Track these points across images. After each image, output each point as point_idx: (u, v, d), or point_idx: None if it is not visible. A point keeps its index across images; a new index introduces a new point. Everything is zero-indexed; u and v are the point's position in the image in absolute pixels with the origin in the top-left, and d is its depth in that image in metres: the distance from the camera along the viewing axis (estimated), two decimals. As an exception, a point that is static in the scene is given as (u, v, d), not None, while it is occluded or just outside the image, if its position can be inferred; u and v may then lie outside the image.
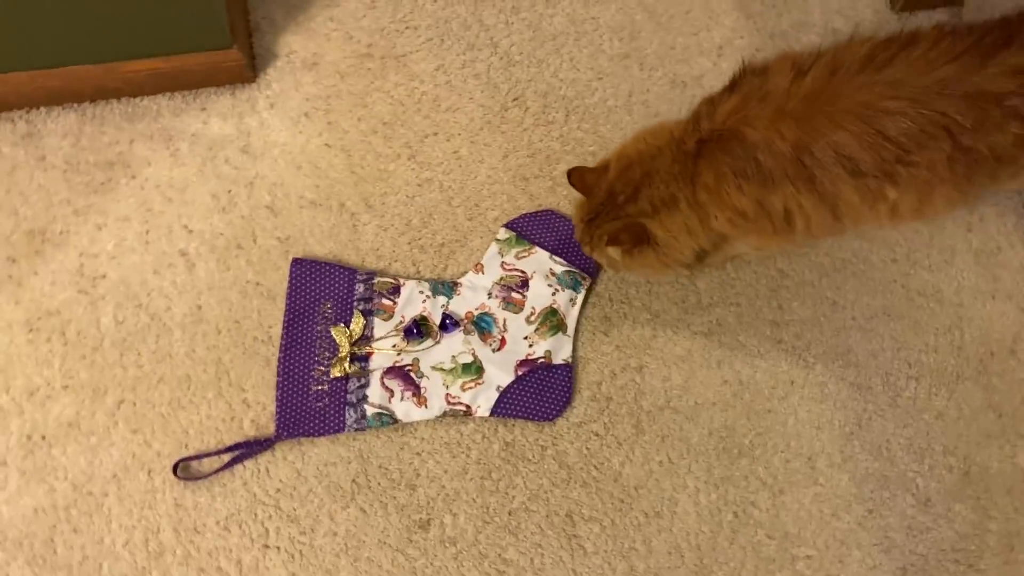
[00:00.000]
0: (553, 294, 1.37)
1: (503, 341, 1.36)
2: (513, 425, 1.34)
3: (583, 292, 1.39)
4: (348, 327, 1.35)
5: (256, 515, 1.28)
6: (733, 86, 1.17)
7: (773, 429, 1.37)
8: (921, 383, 1.40)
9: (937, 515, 1.34)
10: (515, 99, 1.51)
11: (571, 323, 1.38)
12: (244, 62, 1.43)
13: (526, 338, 1.36)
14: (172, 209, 1.42)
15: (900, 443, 1.37)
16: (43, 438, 1.30)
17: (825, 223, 1.19)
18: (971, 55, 1.12)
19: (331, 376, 1.32)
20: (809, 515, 1.34)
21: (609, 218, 1.23)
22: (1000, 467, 1.36)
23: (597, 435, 1.35)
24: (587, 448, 1.34)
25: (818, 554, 1.32)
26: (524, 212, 1.44)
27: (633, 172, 1.20)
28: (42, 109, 1.45)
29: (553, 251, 1.40)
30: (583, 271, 1.40)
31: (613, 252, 1.24)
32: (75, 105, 1.45)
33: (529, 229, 1.42)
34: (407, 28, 1.54)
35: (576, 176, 1.27)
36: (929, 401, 1.39)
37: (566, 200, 1.46)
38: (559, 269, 1.39)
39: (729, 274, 1.44)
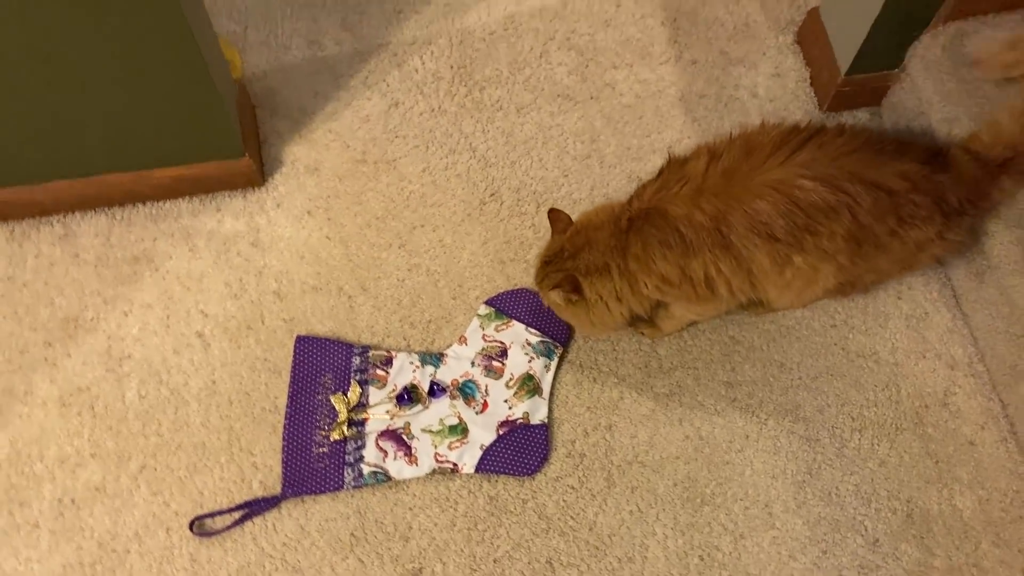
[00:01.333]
0: (529, 361, 1.54)
1: (485, 404, 1.52)
2: (496, 480, 1.49)
3: (556, 359, 1.56)
4: (346, 395, 1.51)
5: (264, 567, 1.41)
6: (660, 173, 1.38)
7: (732, 479, 1.51)
8: (864, 435, 1.55)
9: (885, 554, 1.47)
10: (492, 194, 1.72)
11: (546, 387, 1.54)
12: (254, 168, 1.64)
13: (506, 401, 1.52)
14: (190, 296, 1.60)
15: (848, 489, 1.51)
16: (72, 501, 1.44)
17: (743, 287, 1.37)
18: (866, 152, 1.34)
19: (331, 439, 1.47)
20: (768, 557, 1.46)
21: (556, 268, 1.41)
22: (940, 508, 1.50)
23: (572, 488, 1.49)
24: (564, 500, 1.48)
25: (778, 592, 1.44)
26: (502, 290, 1.62)
27: (581, 236, 1.39)
28: (77, 213, 1.65)
29: (528, 324, 1.58)
30: (555, 341, 1.57)
31: (555, 296, 1.41)
32: (107, 209, 1.66)
33: (507, 305, 1.60)
34: (396, 137, 1.77)
35: (553, 215, 1.46)
36: (872, 451, 1.54)
37: (539, 281, 1.65)
38: (534, 339, 1.56)
39: (686, 341, 1.61)
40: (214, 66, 1.44)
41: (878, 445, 1.54)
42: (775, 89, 1.84)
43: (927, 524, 1.49)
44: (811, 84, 1.85)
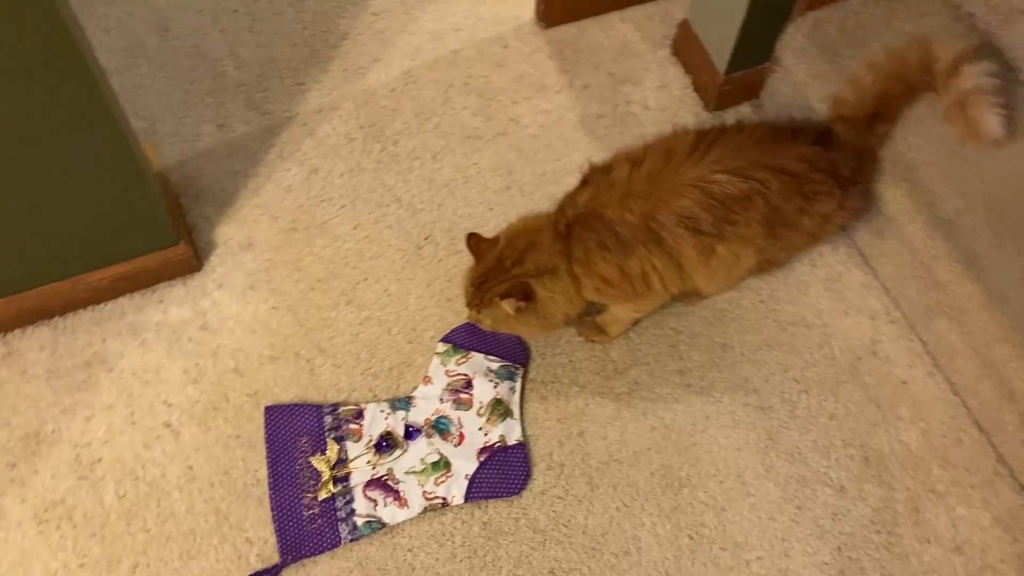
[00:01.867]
0: (495, 387, 1.60)
1: (462, 436, 1.57)
2: (486, 506, 1.54)
3: (519, 380, 1.63)
4: (325, 455, 1.53)
5: (278, 638, 1.42)
6: (585, 183, 1.49)
7: (702, 458, 1.61)
8: (811, 394, 1.67)
9: (853, 498, 1.58)
10: (426, 238, 1.79)
11: (516, 408, 1.60)
12: (191, 254, 1.67)
13: (480, 429, 1.57)
14: (150, 390, 1.60)
15: (807, 446, 1.63)
16: (69, 616, 1.41)
17: (675, 280, 1.48)
18: (766, 142, 1.50)
19: (319, 499, 1.50)
20: (750, 523, 1.56)
21: (498, 280, 1.45)
22: (891, 446, 1.63)
23: (559, 498, 1.56)
24: (553, 511, 1.54)
25: (766, 554, 1.53)
26: (455, 326, 1.68)
27: (520, 241, 1.46)
28: (16, 331, 1.63)
29: (486, 352, 1.64)
30: (516, 363, 1.64)
31: (507, 305, 1.44)
32: (46, 321, 1.65)
33: (462, 339, 1.66)
34: (322, 201, 1.82)
35: (473, 241, 1.49)
36: (821, 407, 1.66)
37: (487, 311, 1.72)
38: (495, 366, 1.63)
39: (634, 341, 1.70)
40: (142, 159, 1.47)
41: (825, 401, 1.67)
42: (663, 99, 1.98)
43: (883, 463, 1.61)
44: (694, 89, 2.00)
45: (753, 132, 1.52)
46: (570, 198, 1.50)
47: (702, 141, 1.48)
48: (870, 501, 1.58)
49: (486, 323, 1.53)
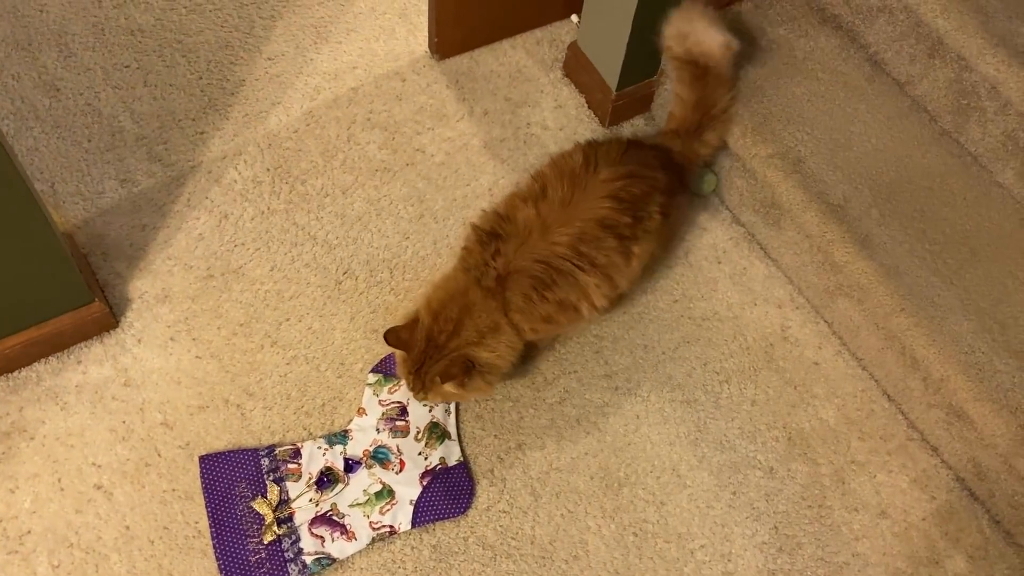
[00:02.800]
0: (430, 411, 1.62)
1: (402, 463, 1.58)
2: (434, 529, 1.55)
3: (453, 402, 1.65)
4: (266, 497, 1.52)
5: None
6: (492, 237, 1.50)
7: (638, 457, 1.66)
8: (731, 384, 1.75)
9: (782, 478, 1.66)
10: (345, 272, 1.80)
11: (453, 429, 1.62)
12: (106, 311, 1.63)
13: (420, 453, 1.59)
14: (76, 453, 1.55)
15: (734, 433, 1.70)
16: None
17: (607, 294, 1.55)
18: (632, 147, 1.64)
19: (265, 543, 1.48)
20: (690, 514, 1.61)
21: (434, 360, 1.44)
22: (811, 425, 1.72)
23: (505, 511, 1.58)
24: (500, 525, 1.56)
25: (708, 541, 1.59)
26: (383, 356, 1.69)
27: (449, 311, 1.45)
28: (-75, 408, 1.57)
29: (417, 378, 1.66)
30: (447, 386, 1.66)
31: (450, 387, 1.44)
32: (-43, 395, 1.58)
33: (392, 367, 1.67)
34: (236, 246, 1.81)
35: (392, 336, 1.47)
36: (742, 395, 1.74)
37: (413, 338, 1.74)
38: (427, 390, 1.65)
39: (559, 352, 1.75)
40: (49, 218, 1.44)
41: (745, 389, 1.75)
42: (561, 119, 2.06)
43: (805, 441, 1.70)
44: (589, 107, 2.08)
45: (618, 143, 1.64)
46: (480, 256, 1.49)
47: (589, 156, 1.57)
48: (798, 478, 1.66)
49: (438, 401, 1.55)
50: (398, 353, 1.52)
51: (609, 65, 1.95)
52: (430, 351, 1.45)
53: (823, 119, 1.81)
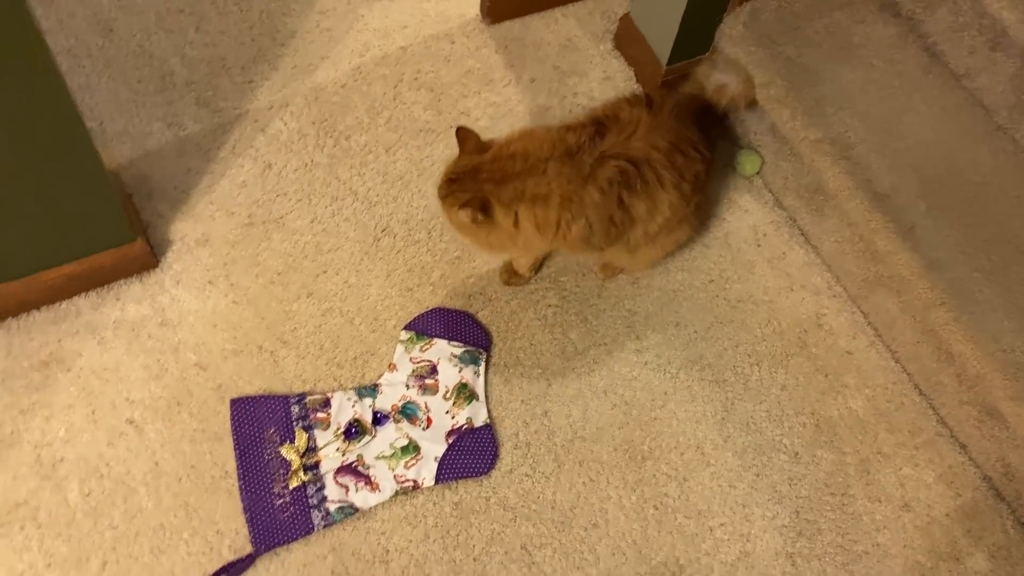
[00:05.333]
0: (459, 371, 1.63)
1: (429, 420, 1.59)
2: (457, 486, 1.56)
3: (483, 364, 1.66)
4: (294, 444, 1.54)
5: (254, 627, 1.42)
6: (596, 124, 1.50)
7: (663, 432, 1.66)
8: (762, 367, 1.74)
9: (807, 463, 1.65)
10: (384, 230, 1.81)
11: (480, 391, 1.63)
12: (148, 251, 1.65)
13: (447, 412, 1.60)
14: (111, 387, 1.58)
15: (761, 416, 1.69)
16: (37, 617, 1.39)
17: (664, 224, 1.56)
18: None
19: (290, 488, 1.50)
20: (712, 492, 1.61)
21: (463, 187, 1.44)
22: (839, 413, 1.71)
23: (527, 475, 1.59)
24: (522, 488, 1.57)
25: (728, 520, 1.59)
26: (416, 314, 1.70)
27: (513, 164, 1.43)
28: (-32, 333, 1.60)
29: (450, 338, 1.67)
30: (478, 348, 1.67)
31: (462, 216, 1.43)
32: (0, 322, 1.61)
33: (425, 326, 1.68)
34: (278, 196, 1.82)
35: (463, 134, 1.48)
36: (772, 379, 1.73)
37: (447, 299, 1.74)
38: (458, 351, 1.65)
39: (592, 322, 1.75)
40: (98, 155, 1.45)
41: (775, 373, 1.74)
42: (608, 91, 2.04)
43: (832, 429, 1.69)
44: (637, 81, 2.06)
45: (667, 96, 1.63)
46: (579, 134, 1.47)
47: (661, 102, 1.58)
48: (823, 465, 1.65)
49: (450, 219, 1.51)
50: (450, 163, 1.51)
51: (661, 39, 1.93)
52: (469, 177, 1.45)
53: (875, 107, 1.78)
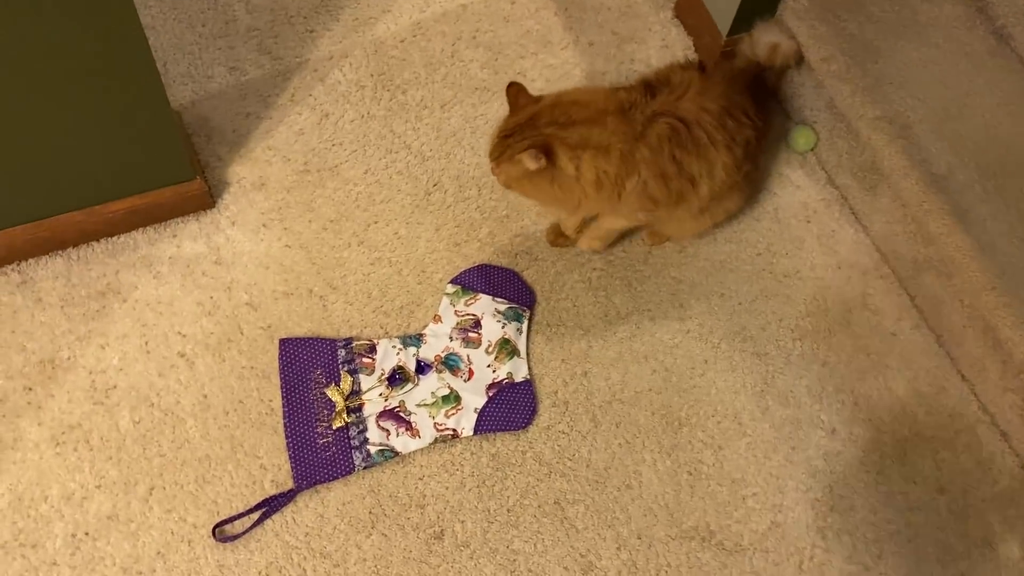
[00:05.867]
0: (502, 327, 1.65)
1: (471, 372, 1.61)
2: (495, 439, 1.59)
3: (526, 321, 1.68)
4: (339, 386, 1.57)
5: (292, 559, 1.46)
6: (648, 87, 1.50)
7: (701, 400, 1.67)
8: (805, 342, 1.74)
9: (844, 439, 1.66)
10: (435, 185, 1.83)
11: (522, 348, 1.65)
12: (206, 190, 1.69)
13: (489, 366, 1.62)
14: (164, 320, 1.63)
15: (801, 391, 1.69)
16: (87, 534, 1.44)
17: (717, 190, 1.56)
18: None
19: (333, 428, 1.54)
20: (747, 461, 1.62)
21: (524, 135, 1.42)
22: (879, 394, 1.70)
23: (564, 433, 1.61)
24: (558, 445, 1.60)
25: (761, 490, 1.60)
26: (463, 269, 1.72)
27: (574, 111, 1.43)
28: (31, 260, 1.65)
29: (494, 294, 1.69)
30: (522, 306, 1.69)
31: (527, 158, 1.39)
32: (60, 251, 1.66)
33: (471, 281, 1.70)
34: (334, 145, 1.85)
35: (514, 90, 1.47)
36: (814, 355, 1.73)
37: (493, 256, 1.76)
38: (503, 307, 1.67)
39: (635, 288, 1.76)
40: (164, 92, 1.49)
41: (817, 349, 1.74)
42: (666, 59, 2.03)
43: (871, 408, 1.69)
44: (696, 50, 2.05)
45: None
46: (634, 93, 1.48)
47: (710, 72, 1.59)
48: (860, 443, 1.65)
49: (501, 179, 1.49)
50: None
51: (722, 9, 1.92)
52: (527, 126, 1.43)
53: (937, 88, 1.76)
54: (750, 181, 1.70)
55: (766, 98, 1.83)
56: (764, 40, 1.73)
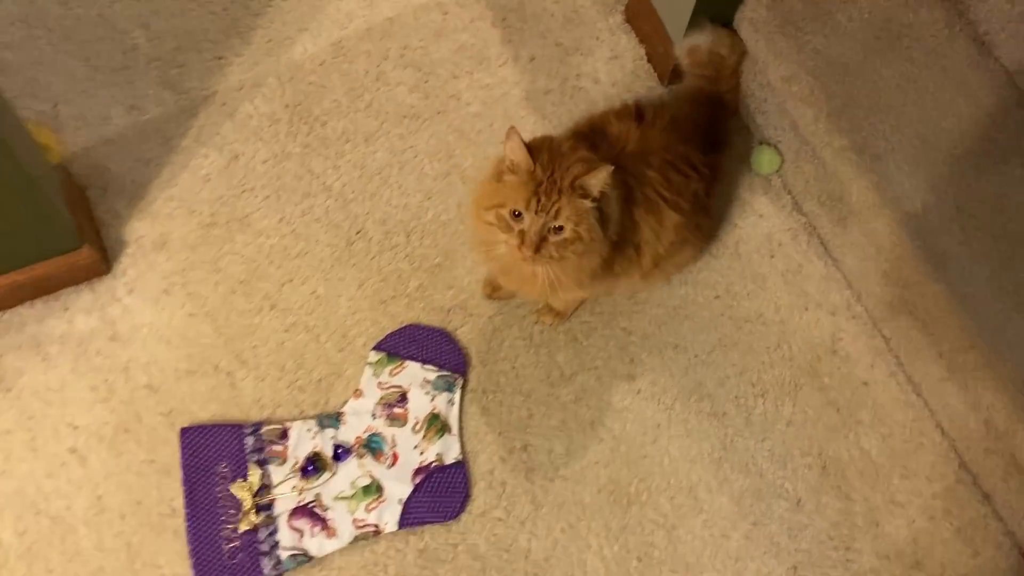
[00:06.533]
0: (432, 400, 1.49)
1: (395, 456, 1.46)
2: (422, 532, 1.44)
3: (458, 391, 1.52)
4: (247, 480, 1.42)
5: None
6: (580, 139, 1.35)
7: (653, 472, 1.52)
8: (767, 398, 1.58)
9: (810, 511, 1.51)
10: (357, 232, 1.65)
11: (454, 423, 1.50)
12: (97, 257, 1.52)
13: (416, 447, 1.47)
14: (53, 411, 1.47)
15: (763, 456, 1.54)
16: (-34, 667, 1.31)
17: (683, 234, 1.44)
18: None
19: (240, 531, 1.39)
20: (703, 542, 1.48)
21: (567, 167, 1.19)
22: (850, 454, 1.55)
23: (500, 519, 1.46)
24: (494, 535, 1.45)
25: (718, 575, 1.46)
26: (389, 331, 1.56)
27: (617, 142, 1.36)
28: (-98, 346, 1.49)
29: (423, 361, 1.53)
30: (453, 372, 1.53)
31: (602, 174, 1.18)
32: (-65, 335, 1.50)
33: (396, 346, 1.54)
34: (243, 191, 1.67)
35: (538, 144, 1.23)
36: (778, 413, 1.57)
37: (424, 313, 1.59)
38: (432, 376, 1.51)
39: (581, 342, 1.60)
40: (25, 155, 1.30)
41: (782, 406, 1.58)
42: (615, 72, 1.84)
43: (841, 472, 1.54)
44: (648, 61, 1.85)
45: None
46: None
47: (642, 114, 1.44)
48: (828, 514, 1.51)
49: (571, 227, 1.19)
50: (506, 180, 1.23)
51: (675, 16, 1.71)
52: (567, 157, 1.21)
53: (911, 109, 1.57)
54: (703, 232, 1.52)
55: (723, 121, 1.65)
56: (685, 43, 1.60)
